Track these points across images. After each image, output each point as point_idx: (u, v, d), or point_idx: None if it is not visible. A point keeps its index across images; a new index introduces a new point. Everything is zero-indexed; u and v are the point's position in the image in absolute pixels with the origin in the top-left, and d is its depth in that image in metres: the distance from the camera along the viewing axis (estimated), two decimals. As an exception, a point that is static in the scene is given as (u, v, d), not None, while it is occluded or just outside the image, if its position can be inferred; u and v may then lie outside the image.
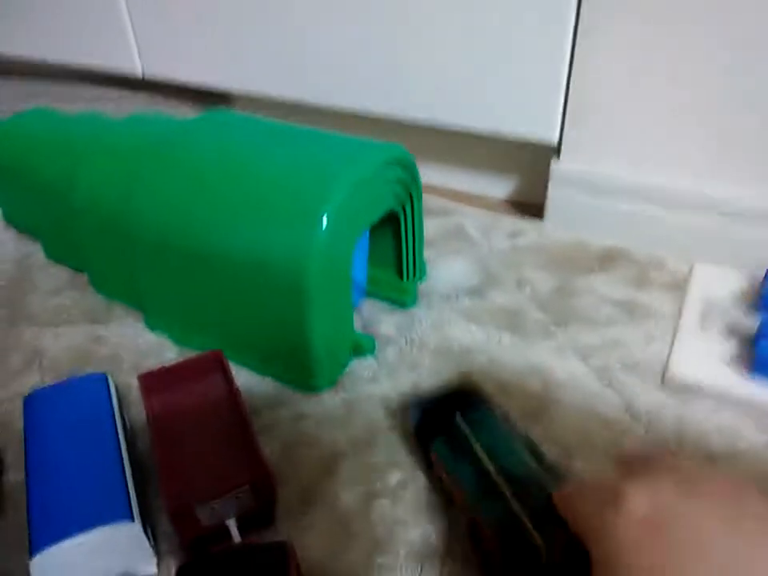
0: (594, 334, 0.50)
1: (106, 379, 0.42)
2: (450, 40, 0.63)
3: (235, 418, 0.39)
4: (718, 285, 0.53)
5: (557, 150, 0.64)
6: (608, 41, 0.56)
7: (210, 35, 0.77)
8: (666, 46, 0.54)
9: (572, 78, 0.59)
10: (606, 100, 0.59)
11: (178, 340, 0.51)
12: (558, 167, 0.64)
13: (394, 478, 0.40)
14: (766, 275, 0.51)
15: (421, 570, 0.35)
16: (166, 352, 0.50)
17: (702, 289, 0.53)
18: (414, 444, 0.42)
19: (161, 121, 0.54)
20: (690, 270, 0.56)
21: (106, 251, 0.53)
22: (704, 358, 0.47)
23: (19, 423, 0.43)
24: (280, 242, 0.43)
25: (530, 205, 0.73)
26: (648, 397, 0.45)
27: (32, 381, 0.48)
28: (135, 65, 0.85)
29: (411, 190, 0.51)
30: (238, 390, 0.41)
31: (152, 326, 0.53)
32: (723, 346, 0.48)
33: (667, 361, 0.47)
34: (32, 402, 0.39)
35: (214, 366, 0.43)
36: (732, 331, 0.48)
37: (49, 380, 0.47)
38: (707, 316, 0.50)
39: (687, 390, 0.45)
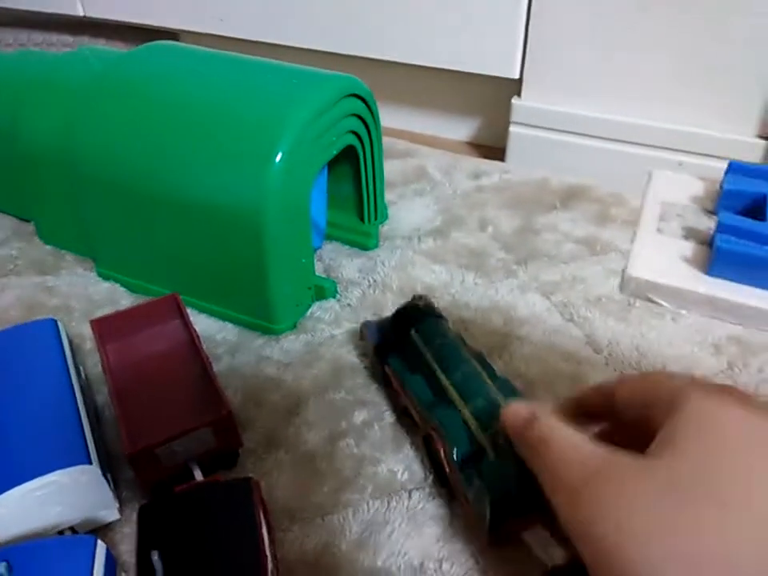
0: (555, 270, 0.50)
1: (56, 324, 0.40)
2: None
3: (194, 361, 0.38)
4: (676, 189, 0.54)
5: (518, 88, 0.63)
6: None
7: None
8: (627, -25, 0.53)
9: (532, 11, 0.58)
10: (567, 33, 0.58)
11: (132, 287, 0.50)
12: (519, 104, 0.63)
13: (359, 416, 0.40)
14: (725, 173, 0.51)
15: (388, 504, 0.35)
16: (120, 300, 0.49)
17: (660, 193, 0.54)
18: (375, 371, 0.42)
19: (103, 55, 0.51)
20: (649, 176, 0.56)
21: (52, 198, 0.50)
22: (662, 260, 0.47)
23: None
24: (234, 180, 0.41)
25: (491, 147, 0.72)
26: (608, 329, 0.45)
27: (-21, 333, 0.46)
28: (76, 4, 0.80)
29: (369, 124, 0.49)
30: (196, 332, 0.40)
31: (104, 274, 0.51)
32: (681, 247, 0.48)
33: (625, 265, 0.47)
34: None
35: (170, 309, 0.41)
36: (689, 233, 0.49)
37: (-3, 331, 0.45)
38: (665, 219, 0.50)
39: (645, 291, 0.45)
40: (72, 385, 0.36)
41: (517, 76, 0.62)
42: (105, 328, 0.40)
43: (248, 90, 0.44)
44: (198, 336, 0.40)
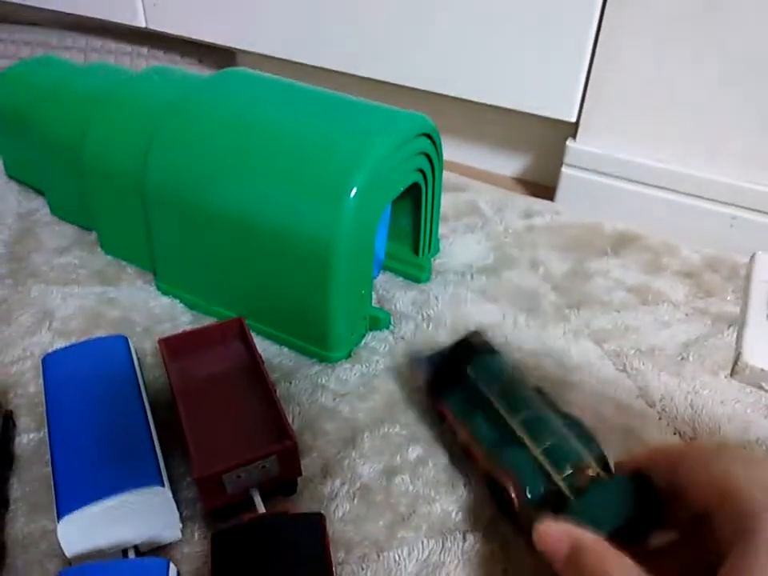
0: (607, 317, 0.51)
1: (127, 341, 0.41)
2: (473, 11, 0.62)
3: (259, 385, 0.39)
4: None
5: (573, 130, 0.64)
6: (634, 21, 0.56)
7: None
8: (691, 29, 0.54)
9: (595, 57, 0.59)
10: (628, 81, 0.59)
11: (191, 305, 0.51)
12: (573, 147, 0.64)
13: (414, 452, 0.40)
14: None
15: (442, 545, 0.36)
16: (179, 317, 0.50)
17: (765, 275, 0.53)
18: (428, 409, 0.42)
19: (178, 77, 0.53)
20: (752, 259, 0.55)
21: (117, 211, 0.51)
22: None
23: (30, 384, 0.43)
24: (307, 210, 0.42)
25: (540, 185, 0.73)
26: (662, 382, 0.45)
27: (42, 341, 0.47)
28: (139, 15, 0.82)
29: (434, 161, 0.50)
30: (261, 357, 0.41)
31: (163, 289, 0.52)
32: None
33: (738, 350, 0.47)
34: (51, 363, 0.38)
35: (235, 332, 0.42)
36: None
37: (60, 342, 0.46)
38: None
39: (760, 379, 0.45)
40: (144, 404, 0.36)
41: (574, 119, 0.62)
42: (173, 346, 0.41)
43: (324, 121, 0.45)
44: (262, 361, 0.40)
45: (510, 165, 0.75)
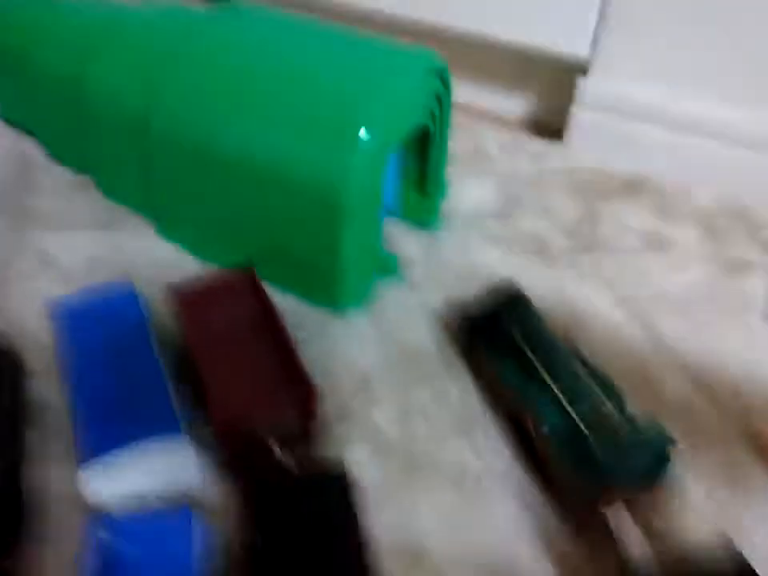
0: (619, 262, 0.50)
1: (134, 288, 0.40)
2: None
3: (276, 334, 0.38)
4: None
5: (584, 68, 0.62)
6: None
7: None
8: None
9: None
10: (643, 16, 0.56)
11: (195, 251, 0.50)
12: (584, 86, 0.62)
13: (428, 394, 0.41)
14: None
15: (462, 484, 0.36)
16: (184, 264, 0.49)
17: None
18: (458, 351, 0.43)
19: (179, 12, 0.50)
20: None
21: (118, 153, 0.50)
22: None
23: (36, 328, 0.42)
24: (315, 153, 0.41)
25: (548, 126, 0.71)
26: (674, 328, 0.45)
27: (42, 286, 0.45)
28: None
29: (443, 102, 0.48)
30: (276, 307, 0.40)
31: (166, 234, 0.50)
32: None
33: None
34: (61, 310, 0.38)
35: (247, 281, 0.41)
36: None
37: (62, 288, 0.45)
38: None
39: None
40: (157, 353, 0.36)
41: (586, 53, 0.60)
42: (184, 296, 0.40)
43: (333, 61, 0.43)
44: (278, 311, 0.40)
45: (516, 105, 0.73)
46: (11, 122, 0.60)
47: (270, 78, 0.43)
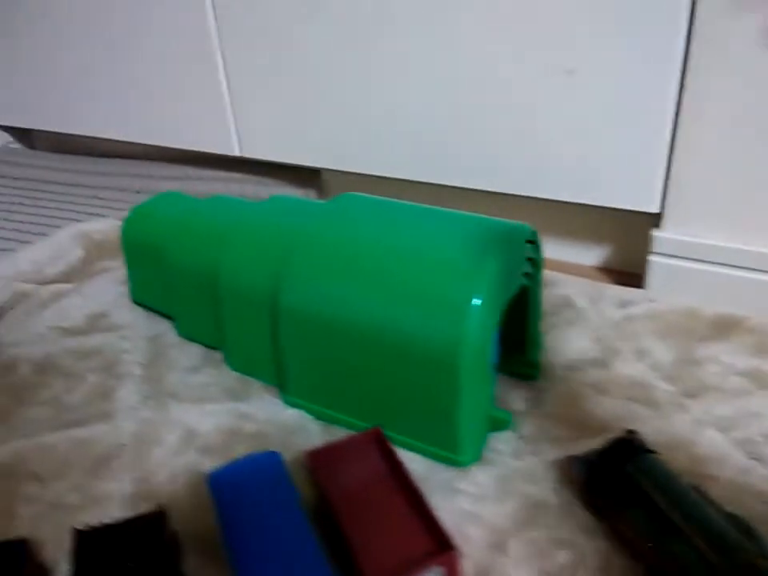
0: (727, 404, 0.51)
1: (280, 456, 0.44)
2: (551, 114, 0.67)
3: (409, 491, 0.41)
4: None
5: (657, 219, 0.66)
6: (712, 108, 0.59)
7: (308, 116, 0.82)
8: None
9: (675, 148, 0.62)
10: (710, 168, 0.61)
11: (318, 415, 0.54)
12: (660, 236, 0.66)
13: (564, 556, 0.41)
14: None
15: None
16: (310, 428, 0.52)
17: None
18: (583, 504, 0.43)
19: (299, 204, 0.58)
20: None
21: (246, 330, 0.56)
22: None
23: (191, 505, 0.46)
24: (434, 323, 0.45)
25: (625, 273, 0.75)
26: (798, 469, 0.45)
27: (190, 460, 0.50)
28: (233, 146, 0.90)
29: (536, 264, 0.53)
30: (404, 466, 0.43)
31: (290, 401, 0.55)
32: None
33: None
34: (215, 482, 0.41)
35: (375, 441, 0.45)
36: None
37: (206, 459, 0.50)
38: None
39: None
40: (305, 515, 0.39)
41: (657, 210, 0.65)
42: (319, 459, 0.43)
43: (441, 236, 0.49)
44: (406, 468, 0.42)
45: (592, 255, 0.77)
46: (144, 305, 0.68)
47: (387, 255, 0.49)
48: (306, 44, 0.77)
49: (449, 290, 0.46)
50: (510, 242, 0.49)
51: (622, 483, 0.41)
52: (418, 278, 0.47)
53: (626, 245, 0.74)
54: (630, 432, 0.44)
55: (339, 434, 0.52)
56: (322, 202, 0.57)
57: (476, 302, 0.44)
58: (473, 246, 0.48)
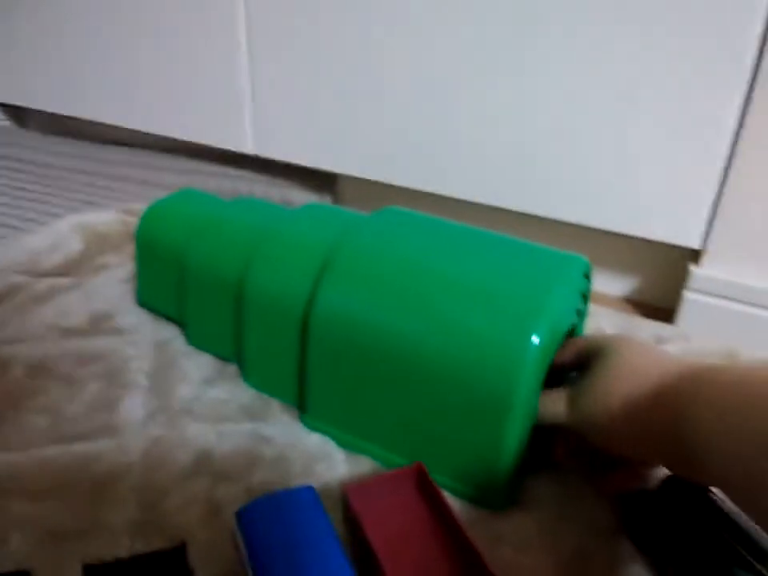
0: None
1: (315, 491, 0.40)
2: (597, 142, 0.64)
3: (452, 530, 0.38)
4: None
5: (694, 254, 0.64)
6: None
7: (332, 118, 0.78)
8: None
9: (725, 185, 0.60)
10: (759, 208, 0.59)
11: (343, 443, 0.50)
12: (698, 272, 0.64)
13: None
14: None
15: None
16: (334, 455, 0.49)
17: None
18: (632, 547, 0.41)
19: (338, 215, 0.54)
20: None
21: (270, 344, 0.52)
22: None
23: (206, 539, 0.42)
24: (487, 358, 0.42)
25: (653, 307, 0.73)
26: None
27: (204, 486, 0.45)
28: (248, 143, 0.86)
29: (586, 300, 0.50)
30: (448, 504, 0.39)
31: (312, 425, 0.51)
32: None
33: None
34: (247, 517, 0.37)
35: (417, 479, 0.41)
36: None
37: (223, 486, 0.45)
38: None
39: None
40: (350, 565, 0.35)
41: (698, 246, 0.63)
42: (359, 495, 0.40)
43: (493, 263, 0.46)
44: (451, 508, 0.39)
45: (618, 285, 0.75)
46: (150, 309, 0.63)
47: (437, 279, 0.45)
48: (336, 44, 0.73)
49: (506, 324, 0.42)
50: (568, 276, 0.46)
51: (677, 524, 0.39)
52: (471, 308, 0.44)
53: (658, 278, 0.72)
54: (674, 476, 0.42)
55: (364, 463, 0.48)
56: (362, 214, 0.54)
57: (535, 340, 0.41)
58: (531, 277, 0.45)
